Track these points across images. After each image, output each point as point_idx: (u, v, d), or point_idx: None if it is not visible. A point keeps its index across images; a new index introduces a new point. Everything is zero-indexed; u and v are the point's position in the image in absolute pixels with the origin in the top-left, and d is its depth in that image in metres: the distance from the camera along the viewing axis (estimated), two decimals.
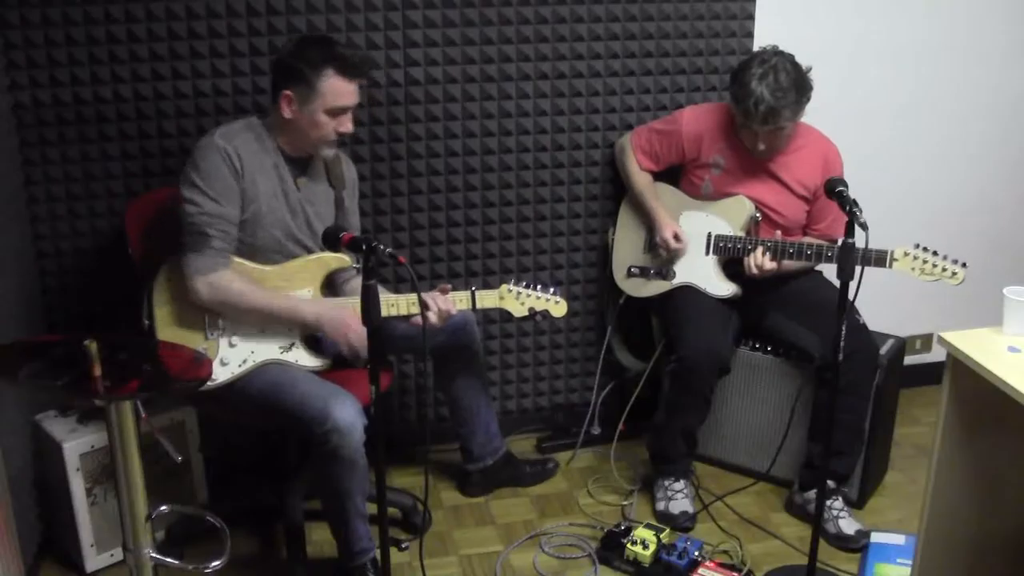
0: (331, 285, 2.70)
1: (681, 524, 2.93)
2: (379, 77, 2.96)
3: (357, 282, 2.70)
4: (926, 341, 3.75)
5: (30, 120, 2.76)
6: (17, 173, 2.77)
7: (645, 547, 2.74)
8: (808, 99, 2.83)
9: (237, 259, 2.52)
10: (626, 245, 3.17)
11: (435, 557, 2.82)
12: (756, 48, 3.04)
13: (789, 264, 2.90)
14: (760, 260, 2.85)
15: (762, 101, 2.74)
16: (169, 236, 2.52)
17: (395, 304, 2.56)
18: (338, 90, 2.45)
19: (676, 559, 2.72)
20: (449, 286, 2.63)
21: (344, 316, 2.52)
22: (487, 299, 2.69)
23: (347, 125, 2.52)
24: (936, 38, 3.41)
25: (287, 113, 2.48)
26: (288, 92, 2.46)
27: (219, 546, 2.07)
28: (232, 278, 2.47)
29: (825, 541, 2.86)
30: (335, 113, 2.48)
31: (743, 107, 2.79)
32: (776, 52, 2.81)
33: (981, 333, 2.21)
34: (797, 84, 2.78)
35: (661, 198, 3.08)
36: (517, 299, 2.71)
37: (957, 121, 3.53)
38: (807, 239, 2.99)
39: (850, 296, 2.28)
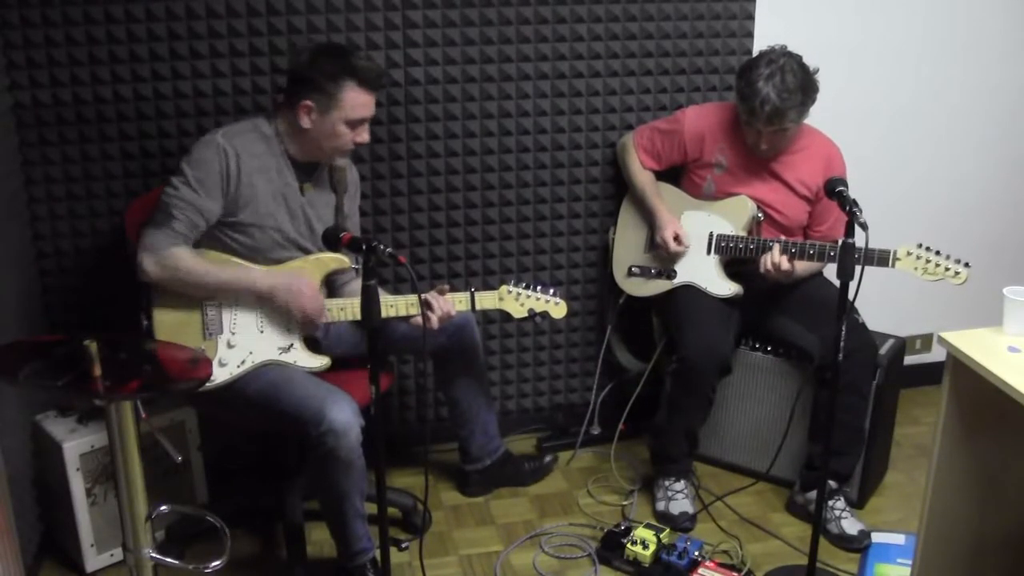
0: (330, 286, 2.70)
1: (681, 524, 2.93)
2: None
3: (357, 284, 2.70)
4: (926, 341, 3.75)
5: (30, 120, 2.76)
6: (17, 173, 2.77)
7: (645, 547, 2.74)
8: (813, 101, 2.83)
9: (236, 260, 2.53)
10: (627, 244, 3.17)
11: (435, 557, 2.82)
12: (756, 48, 3.04)
13: (799, 268, 2.88)
14: (777, 259, 2.83)
15: (768, 101, 2.74)
16: None
17: (394, 305, 2.57)
18: (357, 102, 2.47)
19: (676, 559, 2.72)
20: (447, 286, 2.63)
21: (297, 283, 2.52)
22: (486, 300, 2.69)
23: (364, 136, 2.54)
24: (936, 38, 3.41)
25: (306, 123, 2.49)
26: (308, 102, 2.46)
27: (219, 546, 2.07)
28: (182, 255, 2.45)
29: (828, 541, 2.86)
30: (354, 124, 2.49)
31: (748, 106, 2.79)
32: (784, 53, 2.81)
33: (981, 333, 2.21)
34: (803, 86, 2.78)
35: (662, 197, 3.08)
36: (517, 300, 2.71)
37: (957, 121, 3.53)
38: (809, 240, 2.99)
39: (850, 296, 2.28)
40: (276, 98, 2.85)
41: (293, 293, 2.51)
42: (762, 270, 2.87)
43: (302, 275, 2.54)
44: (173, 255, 2.44)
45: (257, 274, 2.53)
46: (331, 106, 2.46)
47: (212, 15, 2.80)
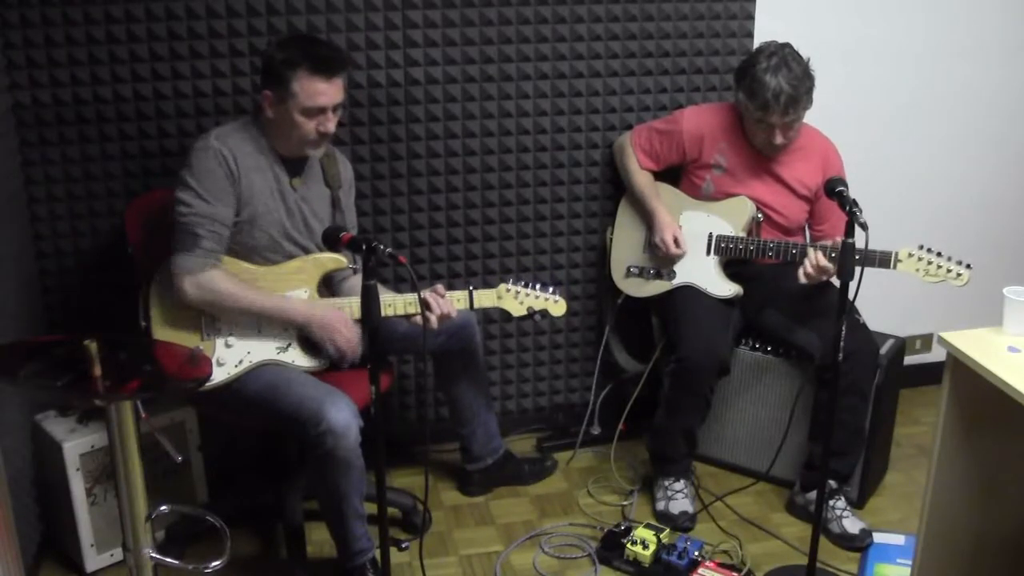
0: (328, 284, 2.70)
1: (681, 524, 2.93)
2: (379, 77, 2.97)
3: (354, 281, 2.70)
4: (926, 341, 3.75)
5: (30, 120, 2.76)
6: (17, 173, 2.77)
7: (645, 547, 2.74)
8: (814, 87, 2.84)
9: (233, 260, 2.52)
10: (624, 245, 3.17)
11: (435, 557, 2.82)
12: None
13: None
14: (816, 260, 2.75)
15: (782, 91, 2.74)
16: (168, 237, 2.52)
17: (392, 304, 2.56)
18: (311, 90, 2.42)
19: (676, 559, 2.72)
20: (442, 287, 2.61)
21: (332, 319, 2.51)
22: (485, 299, 2.69)
23: (328, 125, 2.47)
24: (936, 38, 3.41)
25: (269, 113, 2.48)
26: (267, 92, 2.46)
27: (219, 546, 2.07)
28: (220, 278, 2.46)
29: (829, 541, 2.86)
30: (311, 113, 2.44)
31: (760, 101, 2.78)
32: (779, 45, 2.83)
33: (981, 333, 2.21)
34: (806, 72, 2.81)
35: (661, 198, 3.08)
36: (516, 299, 2.70)
37: (957, 121, 3.53)
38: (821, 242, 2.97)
39: (850, 296, 2.28)
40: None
41: (327, 329, 2.51)
42: (803, 274, 2.79)
43: (339, 311, 2.53)
44: (210, 278, 2.44)
45: (295, 306, 2.53)
46: (285, 95, 2.43)
47: (212, 15, 2.80)
